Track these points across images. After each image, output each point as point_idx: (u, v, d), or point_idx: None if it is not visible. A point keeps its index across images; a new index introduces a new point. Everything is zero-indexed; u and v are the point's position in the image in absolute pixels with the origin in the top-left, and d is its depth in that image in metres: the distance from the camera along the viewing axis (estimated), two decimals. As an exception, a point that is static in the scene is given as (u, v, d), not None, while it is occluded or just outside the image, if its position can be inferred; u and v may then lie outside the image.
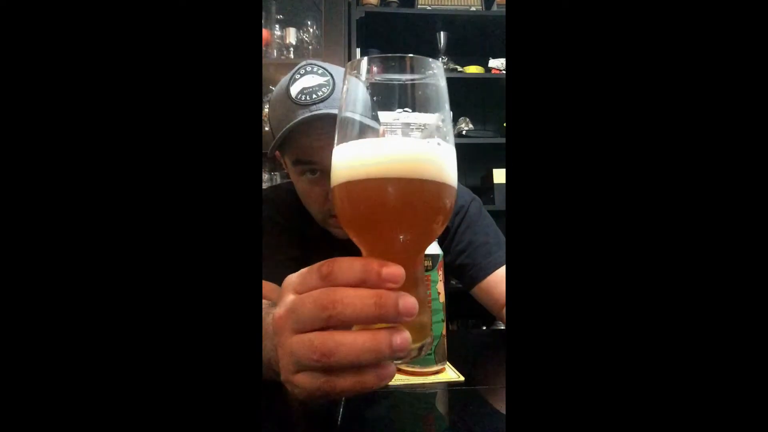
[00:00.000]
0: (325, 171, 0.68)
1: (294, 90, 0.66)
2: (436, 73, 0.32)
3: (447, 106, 0.32)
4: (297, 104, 0.65)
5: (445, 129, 0.32)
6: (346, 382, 0.29)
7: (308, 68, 0.68)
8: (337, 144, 0.32)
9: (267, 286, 0.71)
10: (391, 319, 0.28)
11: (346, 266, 0.29)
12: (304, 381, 0.30)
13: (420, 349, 0.32)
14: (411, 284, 0.31)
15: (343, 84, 0.33)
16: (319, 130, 0.65)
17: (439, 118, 0.31)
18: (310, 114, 0.63)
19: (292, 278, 0.32)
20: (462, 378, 0.48)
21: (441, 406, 0.43)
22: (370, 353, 0.28)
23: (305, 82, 0.67)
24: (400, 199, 0.30)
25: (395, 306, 0.27)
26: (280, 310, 0.31)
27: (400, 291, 0.28)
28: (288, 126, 0.64)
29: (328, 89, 0.65)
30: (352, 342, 0.28)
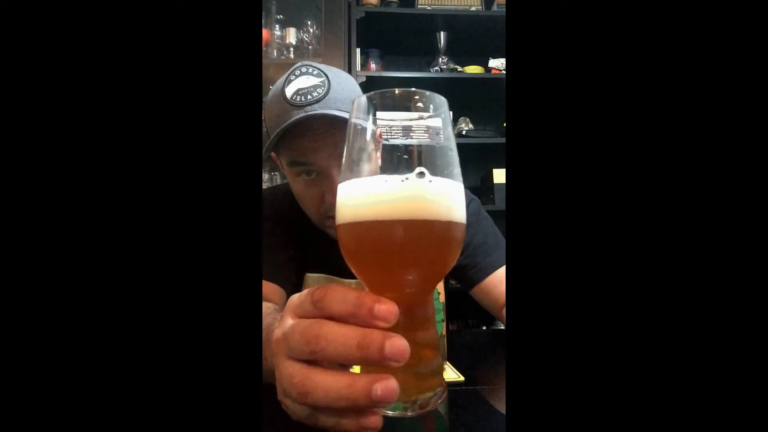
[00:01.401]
0: (321, 172, 0.68)
1: (289, 91, 0.66)
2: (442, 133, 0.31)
3: (454, 146, 0.31)
4: (292, 105, 0.65)
5: (452, 161, 0.31)
6: (327, 421, 0.28)
7: (303, 69, 0.68)
8: (346, 151, 0.31)
9: (267, 287, 0.71)
10: (374, 363, 0.26)
11: (339, 296, 0.27)
12: (293, 408, 0.30)
13: (430, 400, 0.29)
14: (419, 325, 0.30)
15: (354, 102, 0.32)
16: (314, 131, 0.65)
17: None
18: (304, 114, 0.63)
19: (294, 300, 0.31)
20: (462, 378, 0.48)
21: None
22: (345, 401, 0.26)
23: (300, 83, 0.66)
24: (408, 241, 0.28)
25: (380, 349, 0.25)
26: (278, 332, 0.30)
27: (391, 332, 0.26)
28: (282, 127, 0.64)
29: (323, 90, 0.65)
30: (328, 386, 0.26)
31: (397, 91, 0.30)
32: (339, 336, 0.26)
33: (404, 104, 0.30)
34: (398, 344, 0.26)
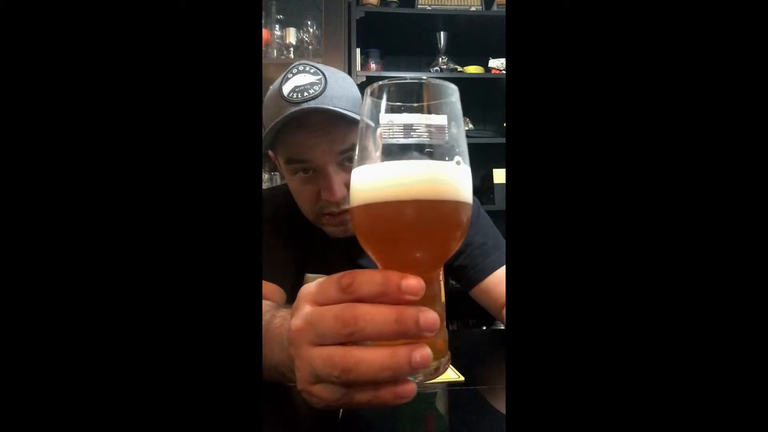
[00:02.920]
0: (317, 169, 0.68)
1: (286, 89, 0.66)
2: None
3: (461, 122, 0.32)
4: (288, 102, 0.65)
5: (459, 149, 0.32)
6: (364, 397, 0.29)
7: (300, 67, 0.69)
8: (360, 139, 0.32)
9: (267, 287, 0.71)
10: (412, 335, 0.28)
11: (366, 279, 0.29)
12: (323, 393, 0.30)
13: (437, 368, 0.31)
14: (429, 300, 0.31)
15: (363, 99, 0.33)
16: (310, 128, 0.65)
17: (445, 120, 0.31)
18: (298, 109, 0.63)
19: (310, 288, 0.32)
20: (462, 378, 0.48)
21: (441, 406, 0.43)
22: (389, 371, 0.28)
23: (297, 80, 0.67)
24: (419, 220, 0.30)
25: (416, 322, 0.27)
26: (297, 322, 0.31)
27: (420, 306, 0.28)
28: (277, 121, 0.64)
29: (319, 88, 0.65)
30: (372, 359, 0.28)
31: (408, 81, 0.31)
32: (377, 315, 0.28)
33: (416, 94, 0.31)
34: (431, 317, 0.28)
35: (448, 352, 0.33)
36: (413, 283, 0.28)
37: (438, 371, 0.32)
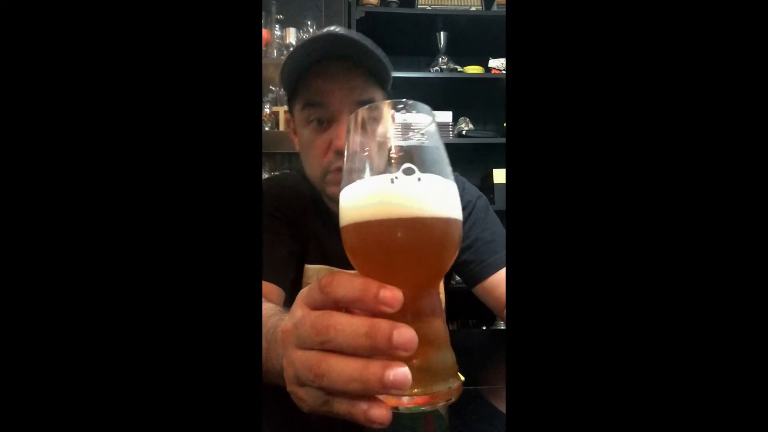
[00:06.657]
0: (332, 119, 0.68)
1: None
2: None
3: (444, 156, 0.32)
4: (314, 39, 0.66)
5: (446, 168, 0.32)
6: (341, 408, 0.28)
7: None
8: (346, 165, 0.32)
9: (265, 287, 0.71)
10: (383, 352, 0.26)
11: (344, 282, 0.28)
12: (307, 396, 0.30)
13: (447, 393, 0.30)
14: (427, 316, 0.30)
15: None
16: (334, 74, 0.66)
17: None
18: (329, 31, 0.65)
19: (304, 291, 0.32)
20: (462, 378, 0.48)
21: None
22: (357, 383, 0.26)
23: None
24: (411, 238, 0.29)
25: (388, 338, 0.26)
26: (287, 323, 0.31)
27: (400, 323, 0.27)
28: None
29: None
30: (342, 369, 0.27)
31: (386, 103, 0.31)
32: (348, 326, 0.27)
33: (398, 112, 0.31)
34: (406, 333, 0.26)
35: (460, 377, 0.31)
36: (391, 293, 0.27)
37: (450, 398, 0.30)
